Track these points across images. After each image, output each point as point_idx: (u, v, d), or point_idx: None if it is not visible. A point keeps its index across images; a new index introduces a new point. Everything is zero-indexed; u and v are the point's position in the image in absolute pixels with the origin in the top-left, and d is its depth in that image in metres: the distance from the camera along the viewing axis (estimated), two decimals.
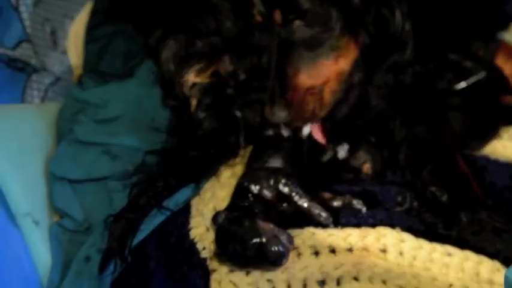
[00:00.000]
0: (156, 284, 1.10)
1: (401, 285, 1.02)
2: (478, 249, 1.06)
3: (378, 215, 1.14)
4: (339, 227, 1.11)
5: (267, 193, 1.14)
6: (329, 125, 1.29)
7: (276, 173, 1.16)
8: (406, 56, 1.21)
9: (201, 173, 1.32)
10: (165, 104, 1.46)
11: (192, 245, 1.15)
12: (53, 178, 1.31)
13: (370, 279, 1.04)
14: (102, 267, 1.14)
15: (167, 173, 1.28)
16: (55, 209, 1.30)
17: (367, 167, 1.26)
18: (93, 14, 1.70)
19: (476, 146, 1.32)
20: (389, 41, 1.19)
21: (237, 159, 1.36)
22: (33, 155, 1.34)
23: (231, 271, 1.07)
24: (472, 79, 1.36)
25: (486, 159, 1.27)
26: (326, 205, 1.14)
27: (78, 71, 1.66)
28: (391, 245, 1.07)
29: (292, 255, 1.06)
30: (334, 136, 1.30)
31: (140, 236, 1.18)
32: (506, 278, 0.86)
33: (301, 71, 1.16)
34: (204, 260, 1.12)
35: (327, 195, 1.17)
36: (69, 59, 1.65)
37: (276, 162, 1.20)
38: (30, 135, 1.36)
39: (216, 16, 1.37)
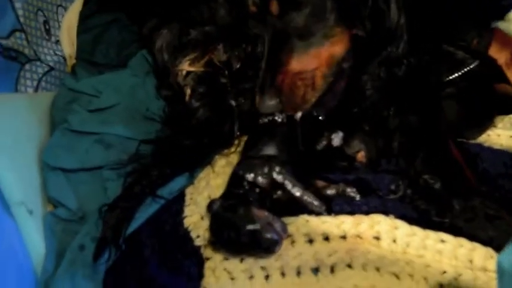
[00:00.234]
0: (150, 272, 1.10)
1: (394, 272, 1.03)
2: (471, 236, 1.06)
3: (372, 203, 1.14)
4: (333, 215, 1.11)
5: (261, 181, 1.14)
6: (321, 113, 1.30)
7: (270, 161, 1.16)
8: (399, 50, 1.22)
9: (195, 162, 1.32)
10: (159, 93, 1.47)
11: (186, 233, 1.16)
12: (47, 167, 1.31)
13: (364, 266, 1.04)
14: (96, 256, 1.14)
15: (161, 162, 1.28)
16: (49, 198, 1.29)
17: (361, 155, 1.27)
18: (87, 3, 1.71)
19: (470, 135, 1.33)
20: (384, 34, 1.19)
21: (232, 148, 1.36)
22: (26, 145, 1.33)
23: (225, 259, 1.08)
24: (465, 69, 1.37)
25: (480, 146, 1.28)
26: (320, 193, 1.15)
27: (71, 60, 1.66)
28: (385, 232, 1.07)
29: (286, 242, 1.07)
30: (328, 124, 1.30)
31: (134, 225, 1.19)
32: (498, 263, 0.86)
33: (293, 57, 1.17)
34: (198, 248, 1.12)
35: (320, 183, 1.17)
36: (63, 49, 1.65)
37: (270, 150, 1.21)
38: (23, 124, 1.36)
39: (210, 5, 1.38)
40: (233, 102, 1.36)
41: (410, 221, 1.09)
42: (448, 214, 1.10)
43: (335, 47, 1.19)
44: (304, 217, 1.11)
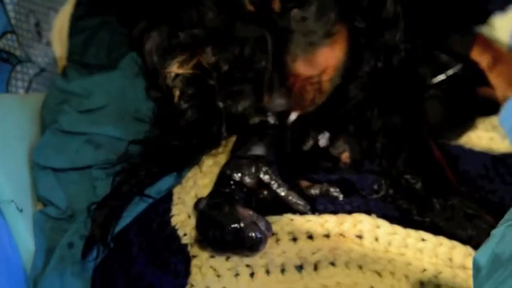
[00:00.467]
0: (138, 270, 1.11)
1: (376, 270, 1.06)
2: (451, 235, 1.09)
3: (355, 202, 1.17)
4: (317, 214, 1.14)
5: (248, 180, 1.16)
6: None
7: (257, 161, 1.18)
8: (396, 37, 1.24)
9: (183, 162, 1.33)
10: (148, 95, 1.48)
11: (173, 231, 1.18)
12: (37, 167, 1.32)
13: (347, 264, 1.07)
14: (85, 253, 1.15)
15: (150, 162, 1.29)
16: (39, 197, 1.31)
17: (345, 156, 1.29)
18: (78, 5, 1.71)
19: (452, 136, 1.36)
20: (381, 24, 1.21)
21: (219, 149, 1.38)
22: (17, 144, 1.34)
23: (212, 257, 1.10)
24: (449, 72, 1.39)
25: (461, 148, 1.31)
26: (304, 193, 1.17)
27: (62, 62, 1.66)
28: (367, 231, 1.10)
29: (270, 241, 1.09)
30: (315, 125, 1.33)
31: (123, 223, 1.20)
32: (475, 260, 0.88)
33: (299, 58, 1.18)
34: (185, 246, 1.14)
35: (305, 183, 1.20)
36: (54, 51, 1.65)
37: (258, 150, 1.22)
38: (14, 125, 1.36)
39: (199, 8, 1.39)
40: (221, 104, 1.38)
41: (392, 220, 1.12)
42: (429, 213, 1.13)
43: (337, 46, 1.20)
44: (289, 216, 1.14)
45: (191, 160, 1.35)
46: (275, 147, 1.25)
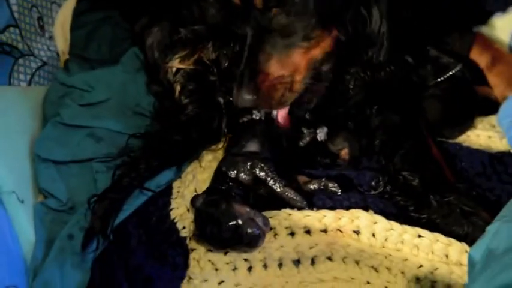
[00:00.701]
0: (137, 262, 1.13)
1: (373, 265, 1.07)
2: (448, 232, 1.10)
3: (353, 198, 1.18)
4: (315, 209, 1.15)
5: (244, 177, 1.17)
6: (300, 112, 1.33)
7: (252, 157, 1.18)
8: (380, 57, 1.24)
9: (183, 156, 1.35)
10: (149, 90, 1.50)
11: (172, 224, 1.19)
12: (38, 159, 1.33)
13: (344, 259, 1.08)
14: (84, 245, 1.16)
15: (150, 155, 1.30)
16: (40, 189, 1.32)
17: (344, 153, 1.30)
18: (80, 0, 1.73)
19: (451, 134, 1.36)
20: (365, 39, 1.22)
21: (219, 144, 1.39)
22: (19, 137, 1.35)
23: (210, 250, 1.11)
24: (450, 73, 1.40)
25: (459, 146, 1.32)
26: (302, 188, 1.18)
27: (64, 56, 1.68)
28: (364, 227, 1.11)
29: (268, 235, 1.10)
30: (313, 121, 1.34)
31: (122, 216, 1.21)
32: (469, 256, 0.90)
33: (273, 57, 1.19)
34: (184, 239, 1.15)
35: (303, 178, 1.21)
36: (56, 45, 1.66)
37: (252, 147, 1.23)
38: (16, 117, 1.37)
39: (200, 4, 1.40)
40: (221, 100, 1.39)
41: (389, 216, 1.13)
42: (426, 210, 1.14)
43: (314, 50, 1.21)
44: (287, 211, 1.15)
45: (191, 155, 1.36)
46: (270, 143, 1.25)
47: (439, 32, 1.48)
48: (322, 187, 1.17)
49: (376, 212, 1.13)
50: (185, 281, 1.08)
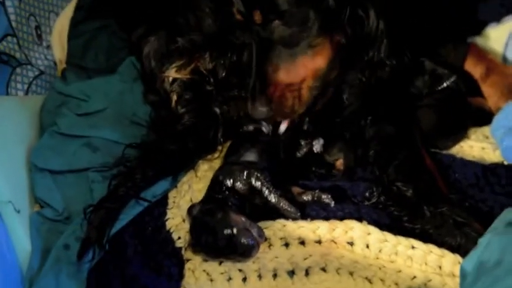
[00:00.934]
0: (132, 272, 1.13)
1: (367, 277, 1.07)
2: (441, 243, 1.11)
3: (347, 209, 1.18)
4: (309, 220, 1.15)
5: (240, 186, 1.17)
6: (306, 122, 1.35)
7: (249, 167, 1.19)
8: (381, 54, 1.26)
9: (179, 166, 1.35)
10: (146, 99, 1.50)
11: (168, 235, 1.20)
12: (35, 169, 1.34)
13: (338, 270, 1.08)
14: (80, 255, 1.17)
15: (146, 165, 1.31)
16: (36, 198, 1.32)
17: (340, 163, 1.31)
18: (78, 9, 1.73)
19: (444, 145, 1.37)
20: (364, 39, 1.23)
21: (215, 154, 1.40)
22: (16, 146, 1.36)
23: (205, 260, 1.11)
24: (445, 84, 1.41)
25: (452, 157, 1.32)
26: (296, 200, 1.18)
27: (62, 65, 1.68)
28: (358, 238, 1.11)
29: (263, 246, 1.10)
30: (310, 131, 1.35)
31: (118, 226, 1.22)
32: (462, 267, 0.90)
33: (280, 68, 1.22)
34: (179, 249, 1.16)
35: (297, 189, 1.21)
36: (54, 54, 1.67)
37: (250, 156, 1.24)
38: (13, 126, 1.38)
39: (197, 14, 1.41)
40: (218, 110, 1.40)
41: (383, 227, 1.13)
42: (419, 221, 1.15)
43: (318, 57, 1.24)
44: (281, 221, 1.15)
45: (187, 164, 1.37)
46: (268, 154, 1.26)
47: (433, 42, 1.49)
48: (315, 199, 1.17)
49: (370, 223, 1.13)
50: None
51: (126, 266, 1.15)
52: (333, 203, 1.16)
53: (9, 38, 1.46)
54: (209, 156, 1.39)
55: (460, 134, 1.39)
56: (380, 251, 1.10)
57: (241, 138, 1.33)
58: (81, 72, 1.65)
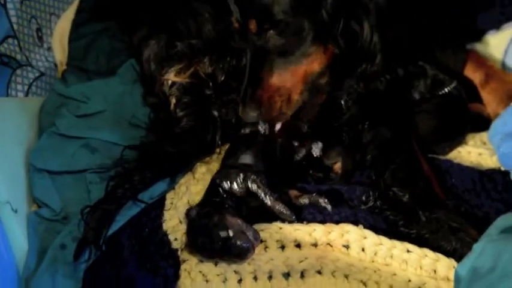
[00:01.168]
0: (128, 272, 1.13)
1: (362, 280, 1.07)
2: (436, 247, 1.11)
3: (343, 213, 1.19)
4: (305, 223, 1.16)
5: (237, 189, 1.18)
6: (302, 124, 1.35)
7: (246, 170, 1.19)
8: (375, 67, 1.27)
9: (177, 168, 1.36)
10: (145, 101, 1.51)
11: (164, 236, 1.20)
12: (33, 169, 1.34)
13: (333, 273, 1.08)
14: (77, 255, 1.17)
15: (144, 167, 1.32)
16: (34, 198, 1.33)
17: (338, 166, 1.31)
18: (79, 12, 1.74)
19: (442, 150, 1.38)
20: (358, 52, 1.24)
21: (213, 157, 1.41)
22: (15, 147, 1.36)
23: (201, 262, 1.12)
24: (445, 89, 1.42)
25: (450, 162, 1.33)
26: (292, 203, 1.19)
27: (62, 67, 1.69)
28: (354, 241, 1.12)
29: (259, 248, 1.11)
30: (309, 135, 1.35)
31: (115, 227, 1.22)
32: (456, 272, 0.91)
33: (273, 73, 1.24)
34: (176, 250, 1.16)
35: (294, 192, 1.21)
36: (54, 55, 1.68)
37: (246, 159, 1.24)
38: (13, 127, 1.39)
39: (197, 19, 1.42)
40: (216, 113, 1.41)
41: (379, 231, 1.14)
42: (415, 225, 1.15)
43: (312, 65, 1.25)
44: (278, 224, 1.16)
45: (185, 167, 1.37)
46: (264, 156, 1.26)
47: (432, 48, 1.49)
48: (312, 202, 1.18)
49: (365, 227, 1.14)
50: None
51: (123, 267, 1.15)
52: (329, 207, 1.16)
53: (10, 39, 1.47)
54: (207, 159, 1.40)
55: (458, 140, 1.40)
56: (375, 254, 1.11)
57: (238, 141, 1.33)
58: (82, 74, 1.65)
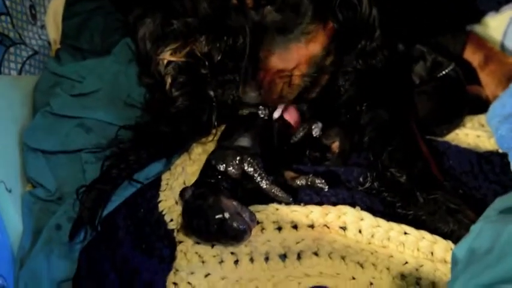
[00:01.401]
0: (124, 253, 1.13)
1: (359, 261, 1.07)
2: (433, 229, 1.11)
3: (340, 194, 1.18)
4: (302, 204, 1.15)
5: (232, 171, 1.17)
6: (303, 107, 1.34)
7: (242, 152, 1.18)
8: (374, 42, 1.26)
9: (172, 148, 1.35)
10: (140, 81, 1.50)
11: (160, 216, 1.19)
12: (27, 149, 1.33)
13: (330, 255, 1.08)
14: (72, 235, 1.16)
15: (139, 147, 1.30)
16: (28, 178, 1.32)
17: (336, 145, 1.30)
18: None
19: (440, 132, 1.37)
20: (357, 26, 1.22)
21: (209, 137, 1.40)
22: (8, 126, 1.35)
23: (197, 243, 1.11)
24: (444, 71, 1.41)
25: (447, 144, 1.33)
26: (289, 184, 1.18)
27: (56, 45, 1.67)
28: (351, 223, 1.12)
29: (255, 229, 1.10)
30: (307, 116, 1.34)
31: (110, 207, 1.22)
32: (453, 253, 0.90)
33: (274, 53, 1.22)
34: (171, 231, 1.16)
35: (290, 174, 1.21)
36: (48, 34, 1.66)
37: (244, 141, 1.23)
38: (6, 106, 1.37)
39: None
40: (212, 93, 1.39)
41: (376, 213, 1.14)
42: (412, 207, 1.15)
43: (312, 44, 1.23)
44: (274, 205, 1.16)
45: (181, 147, 1.36)
46: (261, 139, 1.25)
47: (432, 30, 1.48)
48: (309, 183, 1.17)
49: (363, 209, 1.14)
50: (172, 273, 1.08)
51: (118, 247, 1.14)
52: (326, 188, 1.16)
53: (2, 17, 1.44)
54: (203, 140, 1.39)
55: (456, 122, 1.40)
56: (372, 236, 1.10)
57: (236, 122, 1.32)
58: (76, 52, 1.64)
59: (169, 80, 1.40)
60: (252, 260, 1.08)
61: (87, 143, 1.34)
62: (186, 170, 1.31)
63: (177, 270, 1.08)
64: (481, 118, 1.41)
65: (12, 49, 1.47)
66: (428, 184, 1.17)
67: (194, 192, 1.14)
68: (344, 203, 1.16)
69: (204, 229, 1.07)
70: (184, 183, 1.27)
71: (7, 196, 1.23)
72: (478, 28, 1.64)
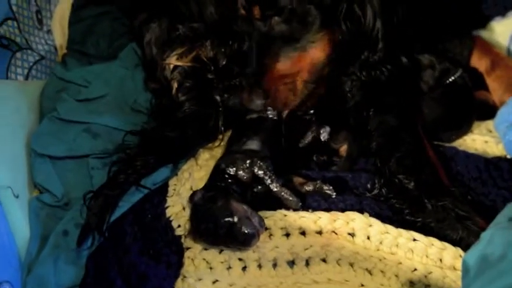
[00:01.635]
0: (131, 259, 1.12)
1: (367, 268, 1.07)
2: (442, 236, 1.10)
3: (348, 200, 1.18)
4: (310, 211, 1.15)
5: (242, 175, 1.17)
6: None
7: (252, 155, 1.18)
8: (376, 55, 1.26)
9: (179, 154, 1.34)
10: (146, 86, 1.49)
11: (167, 222, 1.19)
12: (34, 154, 1.33)
13: (338, 261, 1.08)
14: (80, 241, 1.16)
15: (146, 152, 1.30)
16: (35, 184, 1.32)
17: (343, 149, 1.30)
18: None
19: (448, 138, 1.37)
20: (360, 38, 1.23)
21: (216, 143, 1.39)
22: (15, 131, 1.35)
23: (205, 249, 1.11)
24: (451, 78, 1.40)
25: (455, 150, 1.32)
26: (297, 189, 1.18)
27: (62, 50, 1.67)
28: (359, 229, 1.11)
29: (263, 235, 1.10)
30: (314, 120, 1.34)
31: (118, 213, 1.21)
32: (464, 261, 0.90)
33: (278, 62, 1.23)
34: (179, 237, 1.15)
35: (299, 179, 1.21)
36: (54, 39, 1.66)
37: (253, 145, 1.23)
38: (13, 111, 1.37)
39: (199, 2, 1.39)
40: (218, 98, 1.39)
41: (385, 219, 1.13)
42: (421, 214, 1.14)
43: (317, 53, 1.24)
44: (282, 211, 1.15)
45: (187, 152, 1.36)
46: (271, 143, 1.25)
47: (438, 36, 1.48)
48: (317, 189, 1.17)
49: (371, 215, 1.13)
50: (179, 279, 1.07)
51: (125, 253, 1.14)
52: (334, 194, 1.16)
53: (9, 22, 1.44)
54: (210, 145, 1.39)
55: (465, 128, 1.39)
56: (381, 242, 1.10)
57: (244, 126, 1.32)
58: (82, 58, 1.63)
59: (175, 85, 1.40)
60: (260, 266, 1.08)
61: (94, 148, 1.34)
62: (193, 175, 1.30)
63: (184, 276, 1.08)
64: (489, 124, 1.40)
65: (18, 54, 1.47)
66: (436, 191, 1.16)
67: (204, 195, 1.13)
68: (352, 209, 1.15)
69: (212, 232, 1.07)
70: (191, 188, 1.26)
71: (14, 202, 1.22)
72: (484, 33, 1.63)
